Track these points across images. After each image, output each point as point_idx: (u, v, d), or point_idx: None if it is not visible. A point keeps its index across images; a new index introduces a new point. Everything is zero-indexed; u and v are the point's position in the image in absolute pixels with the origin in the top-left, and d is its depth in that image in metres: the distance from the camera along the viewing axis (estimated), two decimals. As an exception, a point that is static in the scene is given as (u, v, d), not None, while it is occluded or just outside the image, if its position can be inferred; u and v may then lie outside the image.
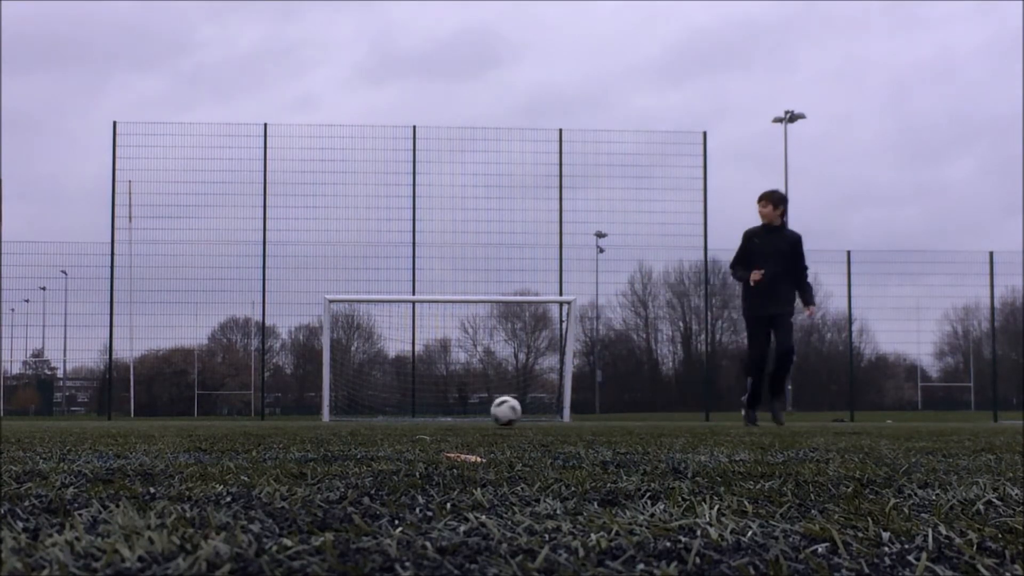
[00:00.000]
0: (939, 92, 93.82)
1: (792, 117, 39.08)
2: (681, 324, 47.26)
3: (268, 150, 26.26)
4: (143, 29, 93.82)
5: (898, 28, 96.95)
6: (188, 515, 1.58)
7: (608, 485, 2.19)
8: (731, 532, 1.41)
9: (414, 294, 25.61)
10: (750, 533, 1.40)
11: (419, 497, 1.90)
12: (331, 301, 20.67)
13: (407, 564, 1.15)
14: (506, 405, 10.47)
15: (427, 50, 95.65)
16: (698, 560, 1.20)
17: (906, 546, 1.32)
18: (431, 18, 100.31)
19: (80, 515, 1.58)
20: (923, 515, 1.67)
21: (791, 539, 1.37)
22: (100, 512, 1.62)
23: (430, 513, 1.64)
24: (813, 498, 1.95)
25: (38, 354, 46.32)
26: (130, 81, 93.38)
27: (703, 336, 38.37)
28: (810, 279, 11.64)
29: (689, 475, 2.54)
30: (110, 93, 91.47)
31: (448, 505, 1.76)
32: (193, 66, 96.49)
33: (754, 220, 11.17)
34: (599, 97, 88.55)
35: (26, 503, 1.79)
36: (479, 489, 2.04)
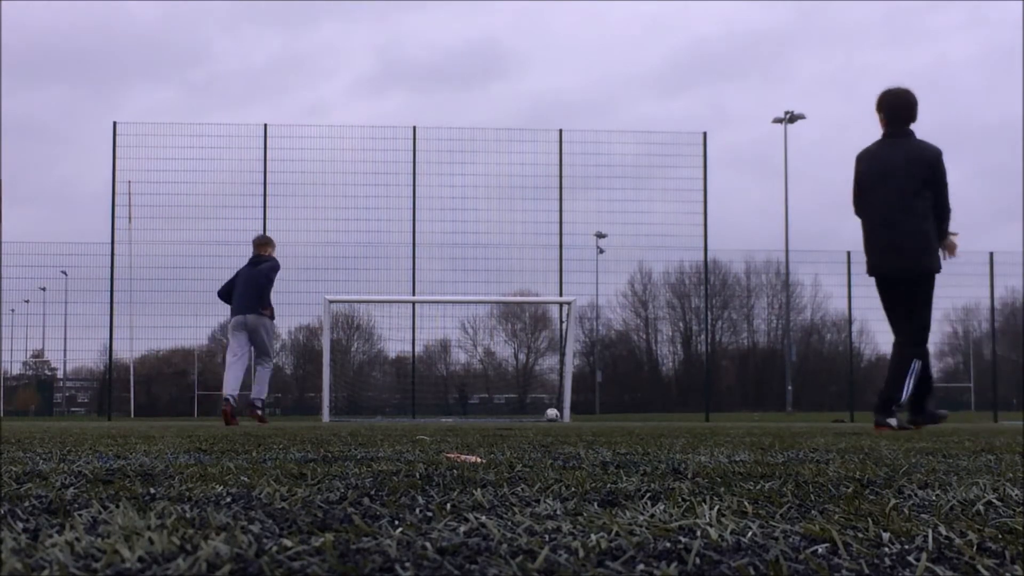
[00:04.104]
0: (932, 101, 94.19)
1: (792, 118, 39.10)
2: (681, 324, 47.26)
3: (268, 151, 26.27)
4: (158, 41, 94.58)
5: (894, 39, 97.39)
6: (188, 516, 1.58)
7: (608, 486, 2.19)
8: (731, 533, 1.41)
9: (414, 295, 25.61)
10: (750, 534, 1.40)
11: (419, 498, 1.90)
12: (331, 302, 20.66)
13: (407, 565, 1.15)
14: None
15: (435, 61, 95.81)
16: (698, 561, 1.20)
17: (906, 547, 1.32)
18: (439, 30, 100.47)
19: (80, 516, 1.58)
20: (923, 516, 1.67)
21: (791, 540, 1.37)
22: (100, 513, 1.62)
23: (430, 514, 1.64)
24: (813, 499, 1.95)
25: (38, 354, 46.31)
26: (144, 91, 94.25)
27: (703, 336, 38.38)
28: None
29: (689, 476, 2.54)
30: (124, 102, 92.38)
31: (448, 506, 1.76)
32: (205, 76, 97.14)
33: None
34: (601, 105, 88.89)
35: (26, 504, 1.79)
36: (479, 490, 2.04)
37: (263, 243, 12.97)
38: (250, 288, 12.46)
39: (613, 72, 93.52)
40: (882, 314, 7.87)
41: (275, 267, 12.70)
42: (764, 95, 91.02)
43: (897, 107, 7.71)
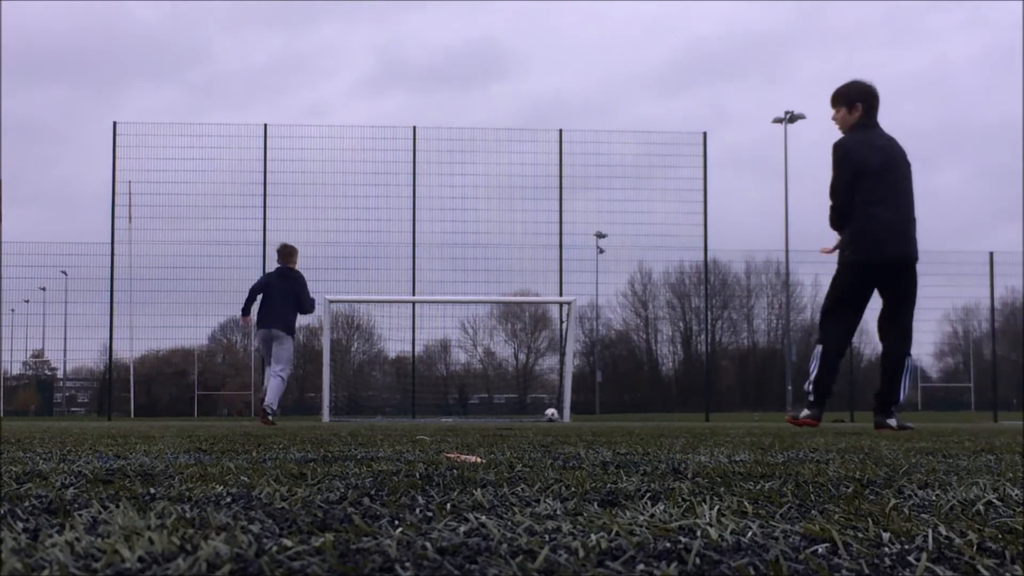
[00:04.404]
0: (932, 101, 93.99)
1: (792, 118, 39.09)
2: (681, 324, 47.26)
3: (268, 151, 26.27)
4: (158, 41, 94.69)
5: (894, 39, 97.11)
6: (188, 516, 1.58)
7: (608, 486, 2.19)
8: (731, 533, 1.41)
9: (414, 295, 25.60)
10: (750, 534, 1.41)
11: (419, 498, 1.90)
12: (331, 301, 20.66)
13: (407, 565, 1.15)
14: None
15: (435, 61, 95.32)
16: (698, 561, 1.20)
17: (906, 547, 1.32)
18: (439, 29, 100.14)
19: (80, 516, 1.58)
20: (923, 516, 1.67)
21: (791, 540, 1.37)
22: (100, 513, 1.62)
23: (430, 514, 1.64)
24: (813, 499, 1.95)
25: (38, 354, 46.30)
26: (144, 91, 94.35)
27: (703, 336, 38.38)
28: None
29: (689, 476, 2.54)
30: (124, 102, 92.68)
31: (448, 506, 1.76)
32: (205, 76, 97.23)
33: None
34: (601, 106, 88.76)
35: (26, 504, 1.79)
36: (479, 489, 2.04)
37: (290, 253, 13.01)
38: (285, 303, 12.58)
39: (613, 72, 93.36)
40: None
41: (306, 286, 12.89)
42: (764, 95, 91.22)
43: (873, 98, 7.79)
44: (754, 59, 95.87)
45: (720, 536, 1.37)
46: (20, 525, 1.48)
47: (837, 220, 7.75)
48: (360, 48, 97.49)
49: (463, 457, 3.29)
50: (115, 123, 25.83)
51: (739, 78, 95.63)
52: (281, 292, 12.62)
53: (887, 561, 1.22)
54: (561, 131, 26.87)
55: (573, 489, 2.10)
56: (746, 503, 1.80)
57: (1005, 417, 28.92)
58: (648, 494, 2.00)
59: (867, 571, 1.16)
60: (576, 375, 29.98)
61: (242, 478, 2.37)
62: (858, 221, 7.62)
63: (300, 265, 13.03)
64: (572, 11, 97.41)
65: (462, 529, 1.44)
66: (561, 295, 25.19)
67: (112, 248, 25.70)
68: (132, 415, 34.25)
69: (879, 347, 7.80)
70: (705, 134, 27.01)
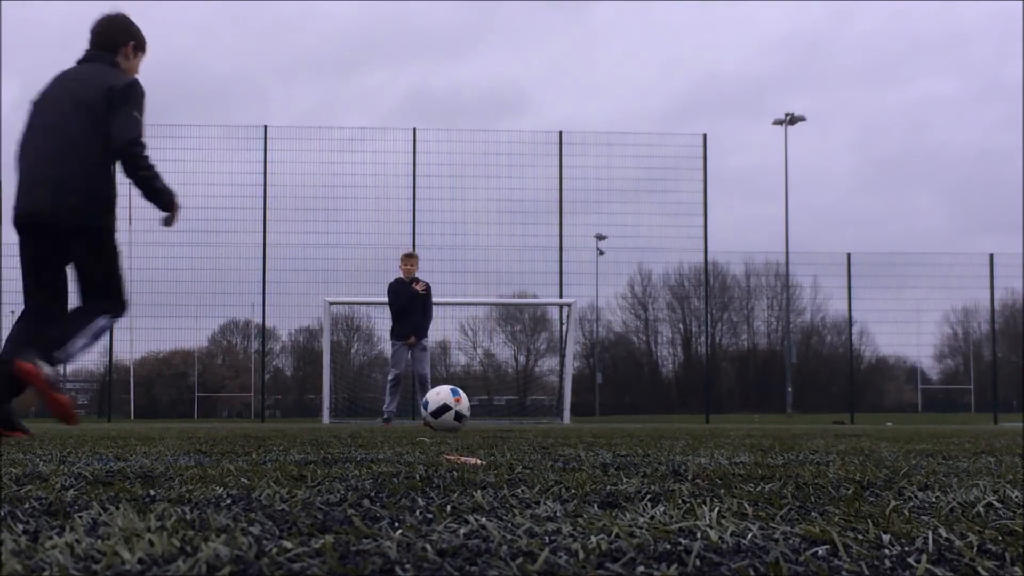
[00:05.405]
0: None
1: (792, 119, 39.13)
2: (681, 326, 47.23)
3: (268, 152, 26.28)
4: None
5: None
6: (188, 517, 1.58)
7: (608, 487, 2.19)
8: (731, 534, 1.41)
9: (414, 296, 25.53)
10: (750, 535, 1.41)
11: (419, 499, 1.90)
12: (331, 303, 20.65)
13: (407, 566, 1.15)
14: (449, 414, 7.84)
15: (455, 101, 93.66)
16: (698, 562, 1.20)
17: (906, 548, 1.32)
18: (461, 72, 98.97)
19: (80, 517, 1.58)
20: (923, 517, 1.67)
21: (791, 541, 1.37)
22: (100, 514, 1.62)
23: (430, 515, 1.64)
24: (813, 500, 1.95)
25: (38, 356, 46.25)
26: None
27: (703, 338, 38.37)
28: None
29: (689, 477, 2.54)
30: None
31: (448, 507, 1.76)
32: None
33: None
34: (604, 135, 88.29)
35: (26, 505, 1.79)
36: (479, 491, 2.04)
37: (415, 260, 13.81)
38: (424, 313, 13.91)
39: (615, 109, 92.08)
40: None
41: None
42: (764, 130, 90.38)
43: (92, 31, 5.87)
44: (756, 99, 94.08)
45: (720, 538, 1.37)
46: (20, 527, 1.48)
47: None
48: (381, 89, 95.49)
49: (463, 459, 3.29)
50: (115, 125, 25.82)
51: (741, 117, 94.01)
52: (423, 303, 14.07)
53: (887, 563, 1.22)
54: (561, 133, 26.92)
55: (573, 491, 2.10)
56: (746, 505, 1.80)
57: (1005, 419, 28.92)
58: (648, 496, 2.00)
59: (867, 573, 1.16)
60: (576, 377, 29.98)
61: (242, 480, 2.37)
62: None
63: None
64: (575, 55, 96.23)
65: (462, 531, 1.44)
66: (561, 297, 25.20)
67: (112, 250, 25.70)
68: (132, 417, 34.24)
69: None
70: (705, 136, 27.06)
